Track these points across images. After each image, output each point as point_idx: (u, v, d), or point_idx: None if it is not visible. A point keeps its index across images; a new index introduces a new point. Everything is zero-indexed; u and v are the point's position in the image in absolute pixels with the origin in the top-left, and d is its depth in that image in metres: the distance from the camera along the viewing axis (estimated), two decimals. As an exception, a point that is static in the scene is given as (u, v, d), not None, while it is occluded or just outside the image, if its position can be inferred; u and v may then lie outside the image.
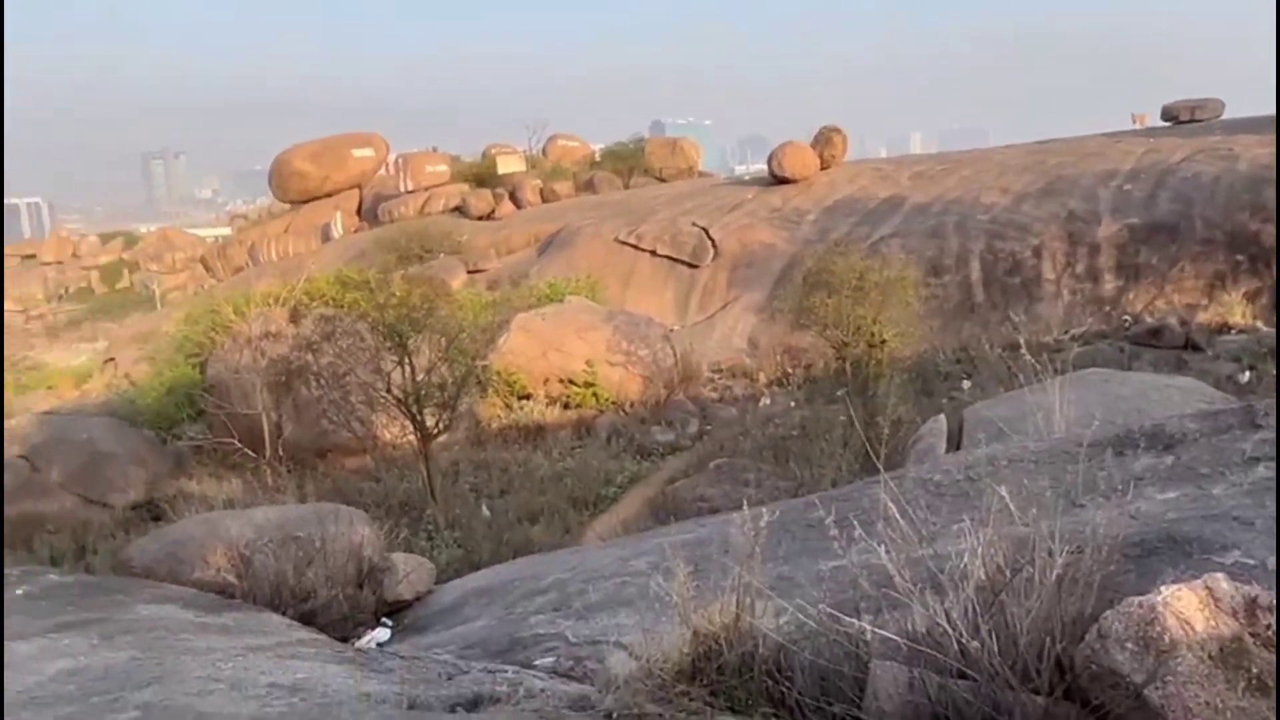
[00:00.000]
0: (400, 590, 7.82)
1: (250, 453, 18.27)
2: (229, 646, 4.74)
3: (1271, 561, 3.55)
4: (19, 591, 5.58)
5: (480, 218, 46.16)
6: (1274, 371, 16.93)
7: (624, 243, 32.45)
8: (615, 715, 4.06)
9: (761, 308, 27.27)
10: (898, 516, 3.46)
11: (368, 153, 57.54)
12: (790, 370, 23.67)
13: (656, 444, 19.39)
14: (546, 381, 22.03)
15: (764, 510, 4.54)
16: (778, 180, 36.81)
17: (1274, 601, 2.70)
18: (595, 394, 21.65)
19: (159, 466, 19.91)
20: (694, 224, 32.32)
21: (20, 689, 3.92)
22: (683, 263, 30.82)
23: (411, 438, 16.02)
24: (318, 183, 56.11)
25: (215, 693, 3.75)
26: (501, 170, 53.16)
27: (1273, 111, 29.39)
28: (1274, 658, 2.61)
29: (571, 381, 21.78)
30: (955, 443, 11.60)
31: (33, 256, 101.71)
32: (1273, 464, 4.68)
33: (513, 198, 47.96)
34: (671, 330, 25.22)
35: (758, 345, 25.99)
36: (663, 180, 51.49)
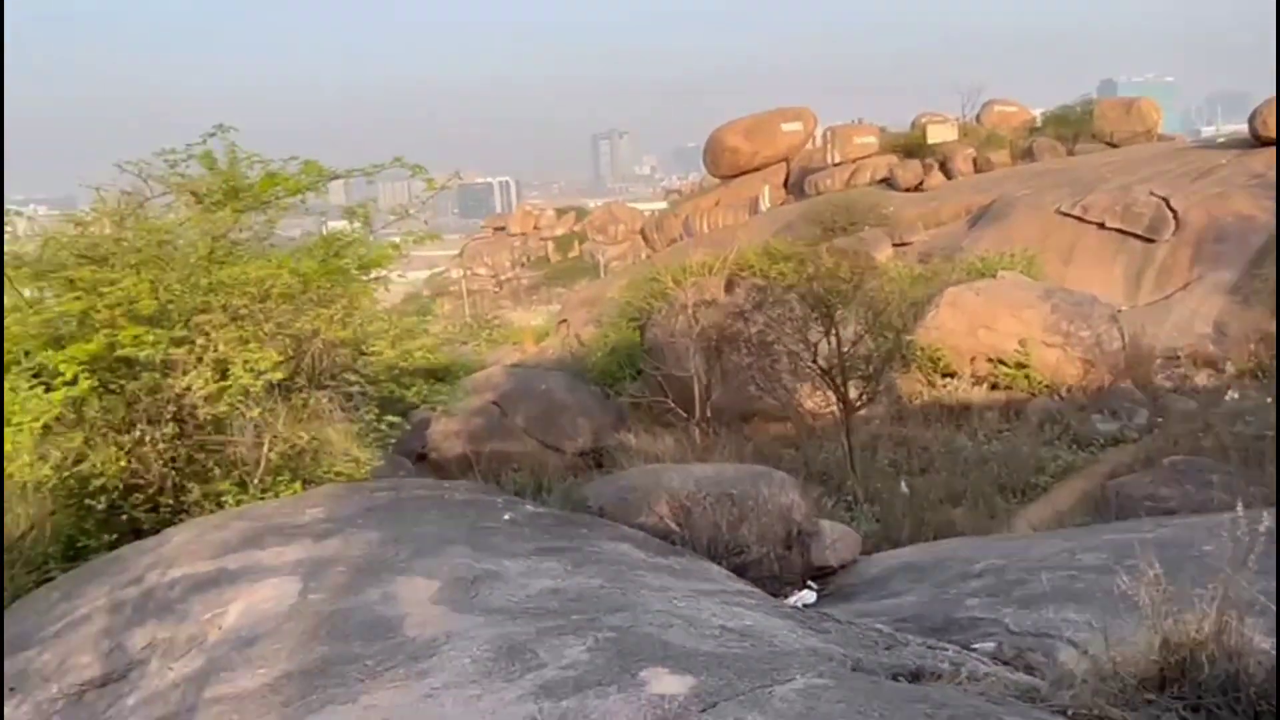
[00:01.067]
0: (827, 556, 7.94)
1: (681, 412, 19.48)
2: (679, 587, 5.08)
3: None
4: (505, 517, 6.41)
5: (908, 189, 45.09)
6: None
7: (1067, 214, 29.99)
8: (1070, 713, 3.81)
9: (1233, 288, 23.87)
10: None
11: (796, 127, 58.45)
12: (1266, 361, 20.50)
13: (1096, 434, 17.79)
14: (974, 360, 21.07)
15: (1263, 514, 3.98)
16: (1260, 142, 31.86)
17: None
18: (1027, 376, 20.33)
19: (603, 419, 21.91)
20: (1152, 193, 29.01)
21: (515, 600, 4.52)
22: (1136, 236, 27.84)
23: (833, 408, 16.14)
24: (748, 157, 58.07)
25: (674, 627, 4.04)
26: (931, 140, 51.37)
27: None
28: None
29: (1001, 361, 20.63)
30: None
31: (503, 229, 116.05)
32: None
33: (943, 168, 46.27)
34: (1119, 311, 22.91)
35: (1226, 331, 22.81)
36: (1114, 145, 46.78)
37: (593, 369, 25.85)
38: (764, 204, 55.17)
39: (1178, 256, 26.59)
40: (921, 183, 45.48)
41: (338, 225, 12.49)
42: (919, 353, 20.68)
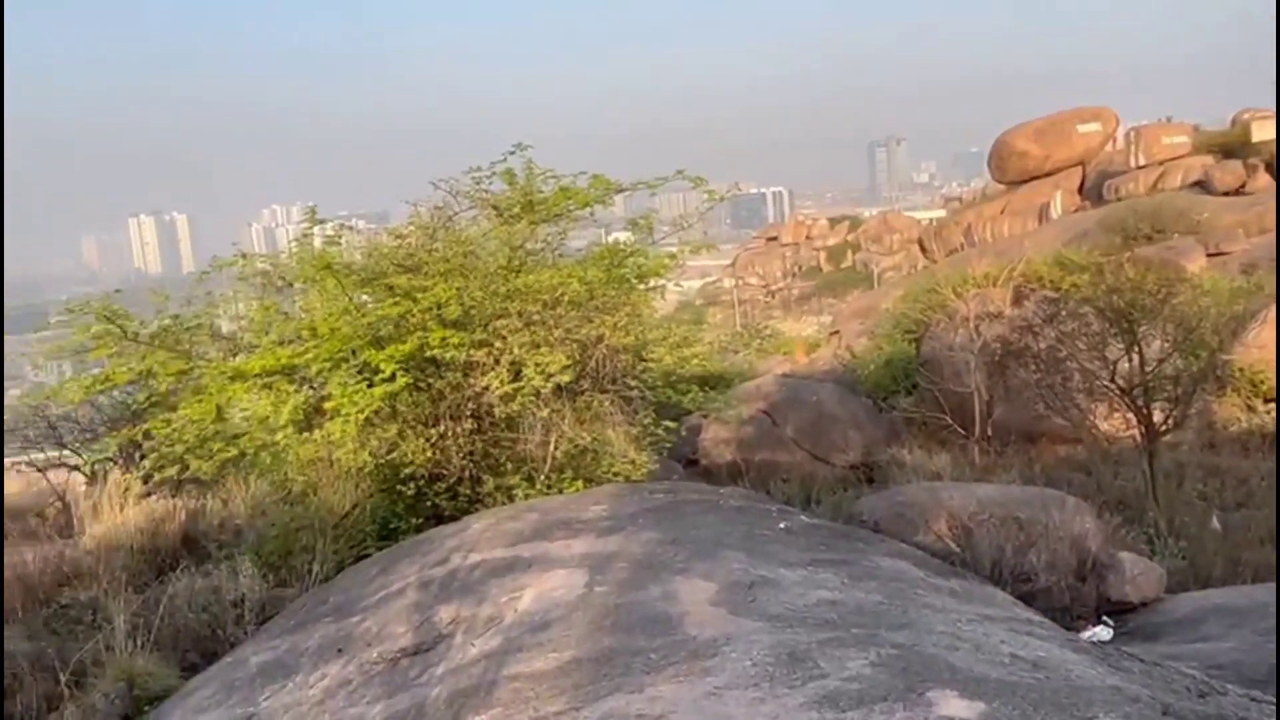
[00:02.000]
0: (1126, 591, 7.32)
1: (959, 429, 18.66)
2: (962, 610, 4.88)
3: None
4: (780, 526, 6.42)
5: (1226, 193, 40.76)
6: None
7: None
8: None
9: None
10: None
11: (1094, 128, 54.34)
12: None
13: None
14: (1304, 383, 18.65)
15: None
16: None
17: None
18: (1376, 404, 17.75)
19: (875, 432, 21.39)
20: None
21: (793, 608, 4.52)
22: None
23: (1133, 432, 14.84)
24: (1038, 162, 54.66)
25: (960, 650, 3.89)
26: (1256, 138, 46.07)
27: None
28: None
29: (1341, 387, 18.14)
30: None
31: (775, 238, 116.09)
32: None
33: (1269, 169, 41.38)
34: None
35: None
36: None
37: (865, 381, 25.31)
38: (1055, 211, 51.70)
39: None
40: (1243, 185, 40.95)
41: (621, 236, 13.06)
42: (1237, 374, 18.60)
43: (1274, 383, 18.84)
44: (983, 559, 7.17)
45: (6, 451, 12.69)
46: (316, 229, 11.12)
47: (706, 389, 12.89)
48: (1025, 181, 55.72)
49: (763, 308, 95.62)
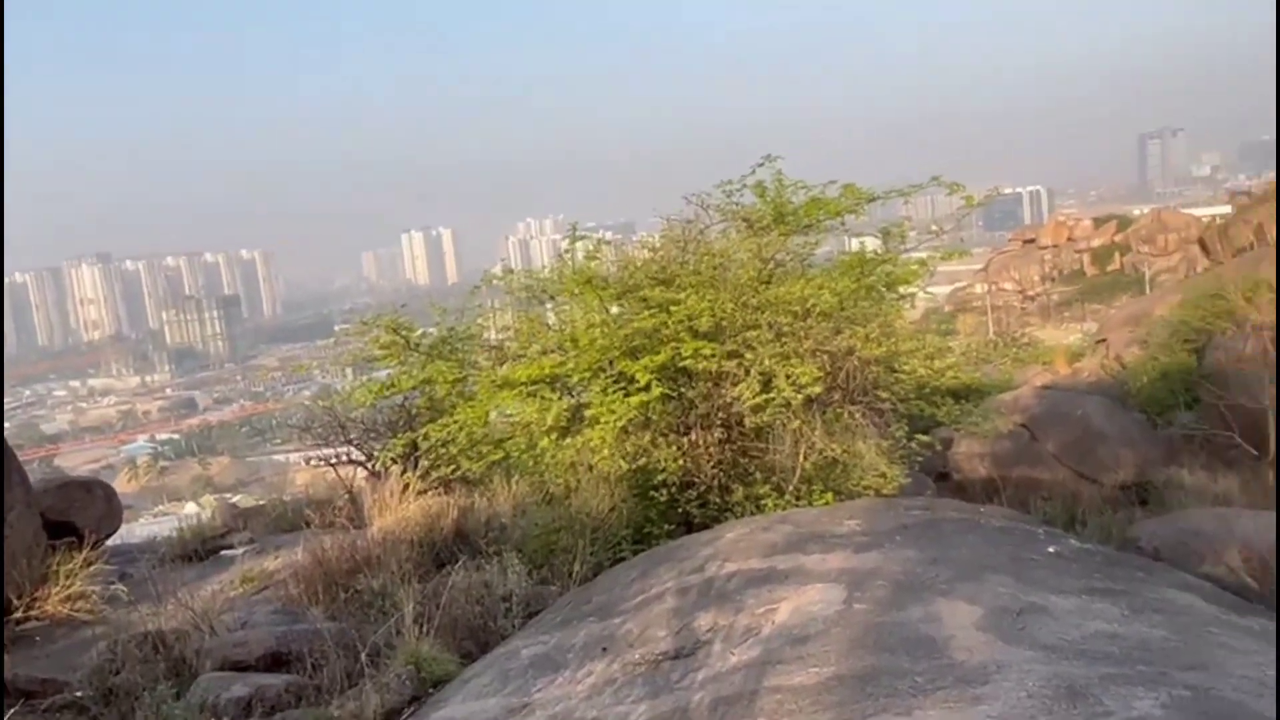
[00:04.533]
0: None
1: (1251, 449, 16.93)
2: (1265, 652, 4.46)
3: None
4: (1050, 549, 6.10)
5: None
6: None
7: None
8: None
9: None
10: None
11: None
12: None
13: None
14: None
15: None
16: None
17: None
18: None
19: (1149, 450, 19.81)
20: None
21: (1068, 639, 4.30)
22: None
23: None
24: (1346, 150, 48.55)
25: (1266, 697, 3.57)
26: None
27: None
28: None
29: None
30: None
31: (1032, 240, 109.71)
32: None
33: None
34: None
35: None
36: None
37: (1137, 395, 23.43)
38: (1368, 204, 45.70)
39: None
40: None
41: (870, 242, 12.83)
42: None
43: None
44: (1284, 596, 6.49)
45: (300, 447, 14.16)
46: (575, 246, 11.69)
47: (960, 401, 12.42)
48: (1330, 171, 49.64)
49: (1019, 314, 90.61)
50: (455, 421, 10.41)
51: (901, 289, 12.11)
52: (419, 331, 11.31)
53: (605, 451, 9.65)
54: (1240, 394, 18.00)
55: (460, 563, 7.94)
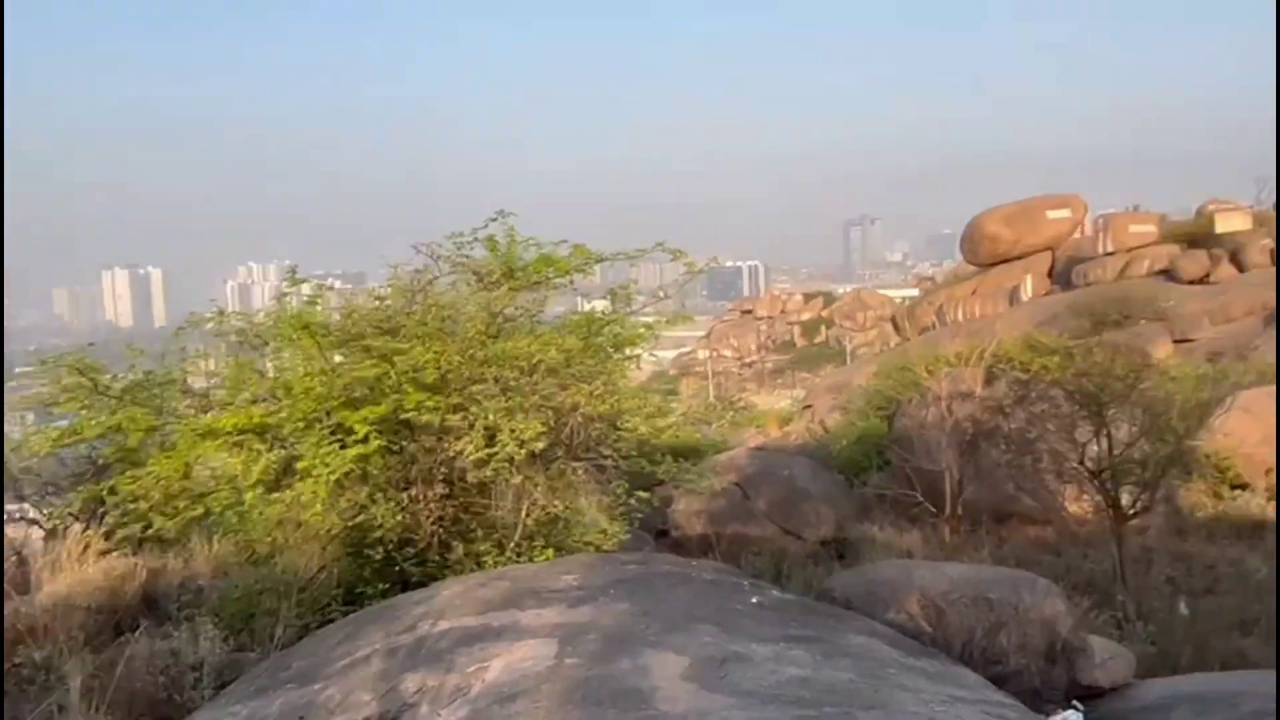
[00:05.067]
0: (1096, 676, 7.29)
1: (930, 507, 18.68)
2: (935, 691, 4.86)
3: None
4: (753, 600, 6.39)
5: (1191, 282, 41.74)
6: None
7: (1386, 314, 26.63)
8: None
9: None
10: None
11: (1063, 214, 55.67)
12: None
13: None
14: (1269, 472, 18.92)
15: None
16: None
17: None
18: (1337, 494, 18.00)
19: (846, 508, 21.36)
20: None
21: (765, 685, 4.49)
22: None
23: (1101, 515, 14.94)
24: (1009, 245, 55.83)
25: (933, 732, 3.87)
26: (1220, 229, 47.37)
27: None
28: None
29: (1304, 475, 18.39)
30: None
31: (750, 311, 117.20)
32: None
33: (1234, 260, 42.52)
34: None
35: None
36: None
37: (837, 457, 25.35)
38: (1025, 294, 52.64)
39: None
40: (1208, 275, 41.96)
41: (598, 304, 13.15)
42: (1204, 460, 18.83)
43: (1240, 471, 19.11)
44: (954, 639, 7.14)
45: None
46: (295, 289, 11.13)
47: (680, 460, 12.86)
48: (996, 264, 56.82)
49: (736, 380, 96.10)
50: (149, 473, 9.49)
51: (628, 350, 12.44)
52: (110, 375, 10.26)
53: (318, 507, 9.14)
54: (923, 457, 19.87)
55: (142, 630, 7.18)
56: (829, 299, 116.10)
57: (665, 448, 12.09)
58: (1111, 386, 14.36)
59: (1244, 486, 19.04)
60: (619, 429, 11.17)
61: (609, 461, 10.84)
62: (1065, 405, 15.02)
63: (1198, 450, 17.73)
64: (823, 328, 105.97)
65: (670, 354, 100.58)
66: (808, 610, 6.55)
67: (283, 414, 9.40)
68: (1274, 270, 40.30)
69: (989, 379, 20.91)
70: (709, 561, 9.58)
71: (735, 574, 8.25)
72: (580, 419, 10.46)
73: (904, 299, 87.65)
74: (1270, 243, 43.45)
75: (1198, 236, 47.91)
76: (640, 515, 11.99)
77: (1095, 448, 14.57)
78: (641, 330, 12.44)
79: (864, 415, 26.91)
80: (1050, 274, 54.61)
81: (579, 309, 13.77)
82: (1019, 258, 55.62)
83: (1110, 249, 50.33)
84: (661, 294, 13.55)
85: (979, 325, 45.71)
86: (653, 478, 12.02)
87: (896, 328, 66.03)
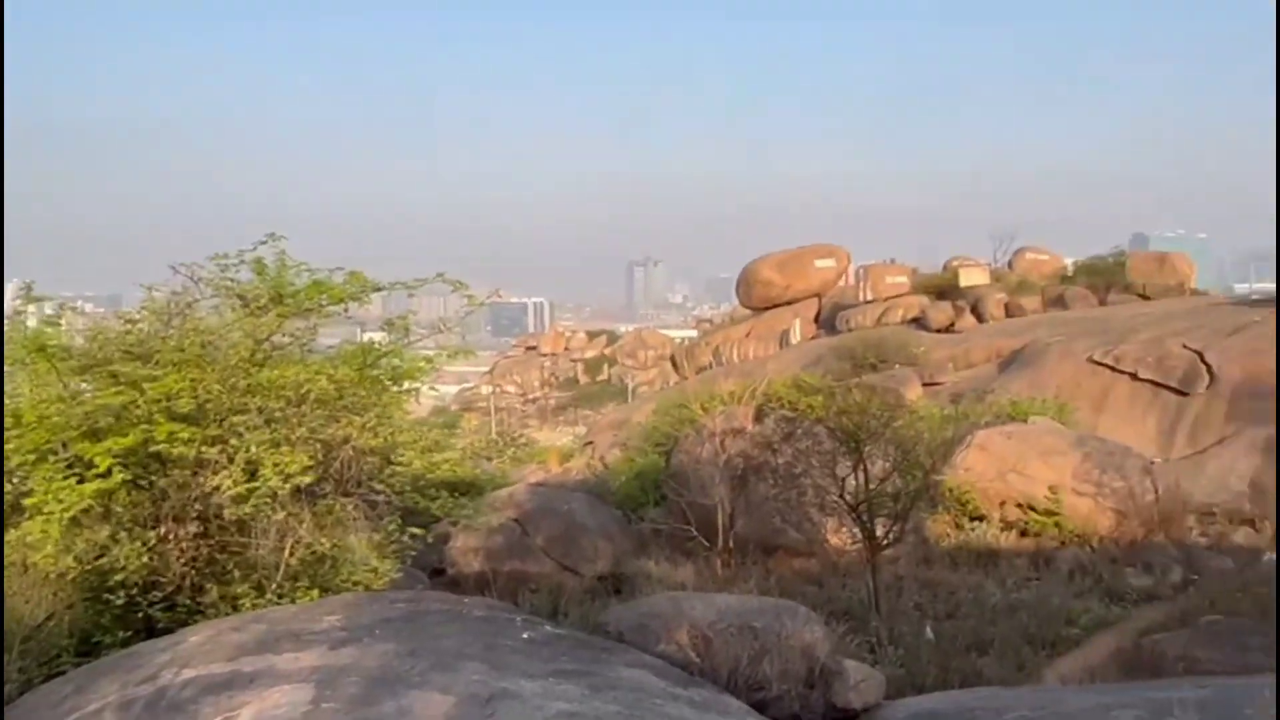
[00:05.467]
0: (850, 698, 7.68)
1: (704, 541, 19.22)
2: (701, 717, 4.95)
3: None
4: (524, 636, 6.31)
5: (939, 330, 45.42)
6: None
7: (1099, 363, 29.97)
8: None
9: (1270, 446, 23.52)
10: None
11: (830, 263, 59.46)
12: (1306, 523, 20.02)
13: (1129, 588, 17.29)
14: (1003, 504, 20.75)
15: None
16: (1296, 301, 31.98)
17: None
18: (1058, 523, 19.95)
19: (624, 543, 21.63)
20: (1185, 346, 29.00)
21: (532, 721, 4.42)
22: (1169, 388, 27.69)
23: (859, 546, 15.87)
24: (780, 291, 58.97)
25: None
26: (963, 283, 52.00)
27: None
28: None
29: (1031, 507, 20.29)
30: None
31: (534, 348, 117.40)
32: None
33: (974, 311, 46.63)
34: (1153, 463, 22.61)
35: (1263, 490, 22.35)
36: (1146, 298, 47.05)
37: (616, 492, 25.68)
38: (794, 337, 55.66)
39: (1212, 411, 26.36)
40: (953, 324, 45.81)
41: (376, 336, 12.75)
42: (947, 494, 20.40)
43: (978, 503, 20.85)
44: (720, 668, 7.34)
45: None
46: (33, 307, 10.15)
47: (457, 495, 12.61)
48: (769, 308, 59.86)
49: (519, 416, 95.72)
50: None
51: (407, 383, 12.10)
52: None
53: (49, 548, 8.28)
54: (698, 492, 20.46)
55: None
56: (612, 337, 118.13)
57: (442, 483, 11.82)
58: (868, 425, 15.34)
59: (981, 518, 20.75)
60: (393, 463, 10.83)
61: (381, 497, 10.47)
62: (827, 442, 15.90)
63: (942, 484, 19.22)
64: (605, 366, 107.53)
65: (453, 389, 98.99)
66: (579, 644, 6.54)
67: (10, 445, 8.49)
68: (1008, 321, 44.66)
69: (759, 417, 21.86)
70: (482, 598, 9.42)
71: (508, 610, 8.14)
72: (352, 452, 10.06)
73: (684, 339, 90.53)
74: (1004, 296, 48.11)
75: (944, 288, 52.40)
76: (414, 553, 11.64)
77: (854, 482, 15.49)
78: (421, 363, 12.16)
79: (642, 451, 27.45)
80: (817, 319, 58.07)
81: (357, 339, 13.32)
82: (789, 303, 58.87)
83: (869, 297, 54.15)
84: (442, 327, 13.30)
85: (752, 365, 47.84)
86: (428, 514, 11.71)
87: (676, 367, 68.06)
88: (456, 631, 6.18)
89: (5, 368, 9.86)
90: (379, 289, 11.50)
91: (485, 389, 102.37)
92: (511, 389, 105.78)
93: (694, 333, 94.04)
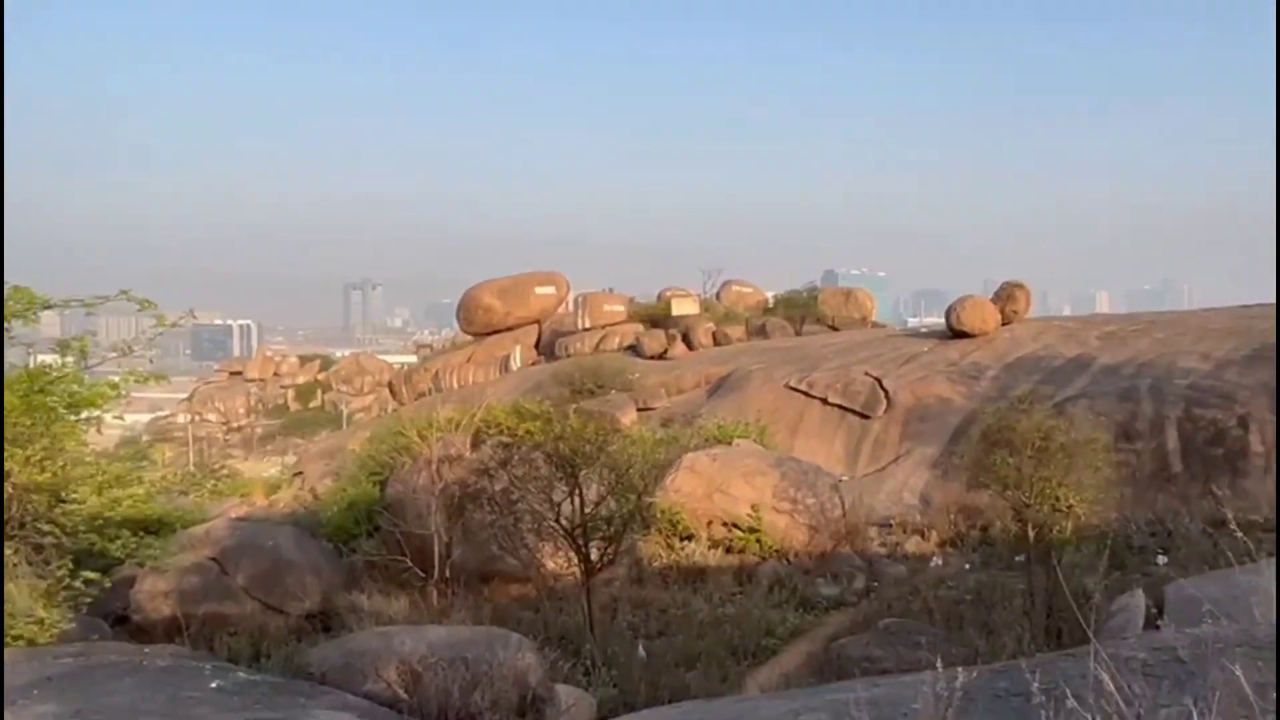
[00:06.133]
0: (561, 722, 7.77)
1: (420, 571, 18.76)
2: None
3: None
4: (213, 685, 5.86)
5: (653, 357, 47.19)
6: None
7: (794, 389, 32.33)
8: None
9: (935, 463, 26.36)
10: (1114, 691, 3.20)
11: (549, 290, 60.25)
12: (965, 530, 22.59)
13: (820, 597, 18.74)
14: (710, 523, 21.82)
15: (958, 673, 4.32)
16: (955, 334, 36.11)
17: None
18: (759, 540, 21.25)
19: (334, 578, 20.67)
20: (867, 374, 31.94)
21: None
22: (854, 412, 30.36)
23: (575, 570, 16.10)
24: (501, 317, 58.99)
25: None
26: (675, 312, 54.47)
27: None
28: None
29: (735, 525, 21.50)
30: (1152, 621, 10.72)
31: (239, 373, 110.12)
32: None
33: (685, 339, 48.91)
34: (841, 480, 24.66)
35: (930, 502, 25.01)
36: (835, 329, 51.43)
37: (327, 524, 24.50)
38: (515, 363, 55.86)
39: (889, 432, 29.16)
40: (665, 351, 47.78)
41: (49, 359, 11.44)
42: (659, 515, 21.15)
43: (688, 523, 21.80)
44: (430, 703, 7.18)
45: None
46: None
47: (142, 535, 11.52)
48: (490, 334, 59.68)
49: (222, 446, 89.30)
50: None
51: (87, 411, 10.95)
52: None
53: None
54: (414, 522, 19.96)
55: None
56: (327, 362, 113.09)
57: (125, 521, 10.76)
58: (583, 449, 15.63)
59: (691, 537, 21.70)
60: (65, 501, 9.76)
61: (49, 539, 9.39)
62: (545, 467, 16.04)
63: (654, 506, 19.93)
64: (319, 391, 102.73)
65: (144, 417, 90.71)
66: (276, 690, 6.16)
67: None
68: (715, 349, 47.25)
69: (477, 443, 21.70)
70: (166, 646, 8.66)
71: (197, 658, 7.54)
72: (13, 490, 8.96)
73: (404, 365, 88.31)
74: (712, 325, 50.93)
75: (658, 317, 54.66)
76: (91, 600, 10.51)
77: (570, 506, 15.71)
78: (105, 389, 11.06)
79: (356, 481, 26.40)
80: (538, 345, 58.60)
81: (26, 362, 11.89)
82: (510, 329, 59.01)
83: (588, 324, 55.41)
84: (126, 349, 12.16)
85: (472, 391, 47.46)
86: (108, 556, 10.62)
87: (394, 393, 66.21)
88: (133, 685, 5.62)
89: None
90: (48, 306, 10.39)
91: (182, 417, 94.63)
92: (213, 417, 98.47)
93: (414, 358, 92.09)
